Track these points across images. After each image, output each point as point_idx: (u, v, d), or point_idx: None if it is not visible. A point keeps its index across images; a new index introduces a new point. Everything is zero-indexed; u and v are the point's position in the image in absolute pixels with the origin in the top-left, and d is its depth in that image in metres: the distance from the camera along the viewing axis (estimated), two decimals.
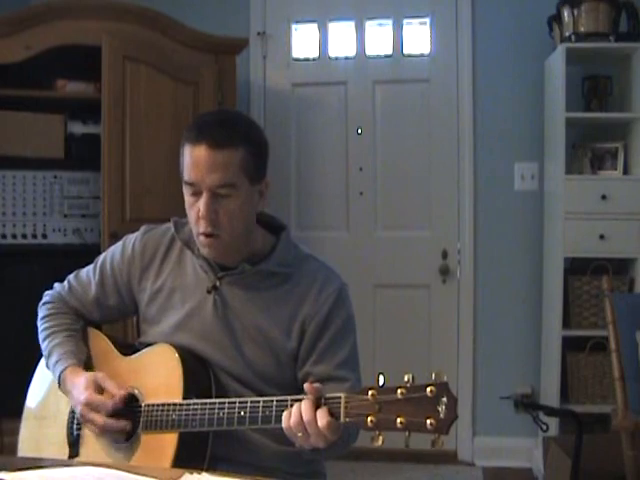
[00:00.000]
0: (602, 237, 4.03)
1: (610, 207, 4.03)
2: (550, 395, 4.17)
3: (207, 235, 1.90)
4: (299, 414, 1.64)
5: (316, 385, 1.66)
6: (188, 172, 1.88)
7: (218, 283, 1.99)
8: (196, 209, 1.89)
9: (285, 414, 1.67)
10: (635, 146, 4.12)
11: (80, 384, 1.95)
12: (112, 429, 1.89)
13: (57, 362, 2.06)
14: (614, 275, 4.05)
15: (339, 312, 1.98)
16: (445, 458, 4.57)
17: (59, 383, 2.04)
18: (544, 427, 3.61)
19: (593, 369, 4.12)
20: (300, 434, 1.65)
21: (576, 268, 4.22)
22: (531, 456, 4.48)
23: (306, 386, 1.66)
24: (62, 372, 2.02)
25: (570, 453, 3.26)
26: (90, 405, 1.90)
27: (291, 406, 1.68)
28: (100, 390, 1.92)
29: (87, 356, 2.10)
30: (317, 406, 1.64)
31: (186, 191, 1.92)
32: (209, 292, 1.99)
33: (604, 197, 4.03)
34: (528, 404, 4.11)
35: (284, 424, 1.67)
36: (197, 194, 1.88)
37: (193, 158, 1.87)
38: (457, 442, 4.66)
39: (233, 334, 1.97)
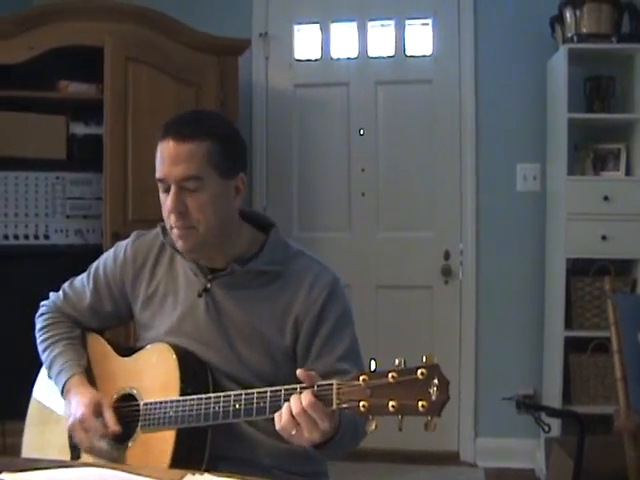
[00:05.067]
0: (604, 238, 4.02)
1: (612, 208, 4.03)
2: (552, 396, 4.17)
3: (179, 228, 1.91)
4: (289, 410, 1.64)
5: (310, 372, 1.66)
6: (157, 168, 1.91)
7: (209, 285, 1.99)
8: (167, 204, 1.90)
9: (277, 416, 1.67)
10: (637, 147, 4.12)
11: (83, 398, 1.97)
12: (97, 454, 1.92)
13: (60, 372, 2.07)
14: (616, 276, 4.06)
15: (333, 306, 1.97)
16: (447, 459, 4.57)
17: (62, 392, 2.05)
18: (546, 428, 3.60)
19: (595, 370, 4.12)
20: (294, 431, 1.64)
21: (578, 269, 4.22)
22: (533, 457, 4.47)
23: (299, 372, 1.66)
24: (67, 381, 2.04)
25: (572, 454, 3.26)
26: (83, 423, 1.93)
27: (285, 396, 1.68)
28: (99, 414, 1.93)
29: (87, 360, 2.11)
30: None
31: (159, 189, 1.93)
32: (200, 295, 1.99)
33: (606, 198, 4.03)
34: (530, 405, 4.10)
35: (278, 426, 1.66)
36: (168, 190, 1.90)
37: (161, 153, 1.90)
38: (459, 443, 4.66)
39: (227, 335, 1.97)
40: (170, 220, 1.92)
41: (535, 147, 4.54)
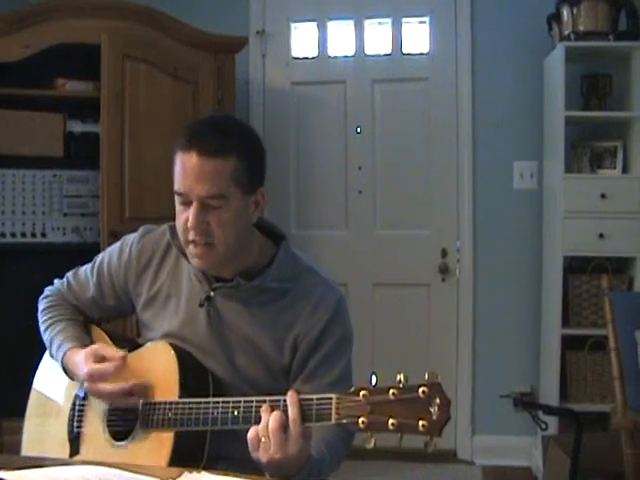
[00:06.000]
0: (601, 236, 4.02)
1: (609, 206, 4.03)
2: (549, 394, 4.17)
3: (197, 244, 1.86)
4: (266, 421, 1.64)
5: (300, 398, 1.66)
6: (177, 181, 1.85)
7: (212, 294, 1.97)
8: (185, 218, 1.85)
9: (251, 432, 1.67)
10: (634, 145, 4.12)
11: (80, 360, 1.94)
12: (120, 391, 1.88)
13: (59, 347, 2.05)
14: (613, 274, 4.05)
15: (333, 330, 1.94)
16: (444, 457, 4.57)
17: (63, 368, 2.03)
18: (543, 426, 3.61)
19: (592, 368, 4.12)
20: (264, 439, 1.64)
21: (575, 267, 4.22)
22: (530, 455, 4.48)
23: (290, 396, 1.66)
24: (64, 355, 2.02)
25: (569, 452, 3.27)
26: (94, 376, 1.89)
27: (284, 406, 1.66)
28: (101, 359, 1.91)
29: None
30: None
31: (176, 199, 1.88)
32: (201, 305, 1.97)
33: (603, 196, 4.02)
34: (527, 403, 4.11)
35: (249, 438, 1.67)
36: (186, 204, 1.85)
37: (183, 166, 1.83)
38: (456, 441, 4.66)
39: (226, 345, 1.96)
40: (188, 235, 1.86)
41: (532, 145, 4.54)
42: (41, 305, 2.22)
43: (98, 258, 2.19)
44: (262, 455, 1.66)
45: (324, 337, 1.93)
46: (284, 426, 1.64)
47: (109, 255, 2.15)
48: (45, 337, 2.15)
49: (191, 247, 1.88)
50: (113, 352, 1.92)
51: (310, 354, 1.93)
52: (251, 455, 1.69)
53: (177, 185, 1.85)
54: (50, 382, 2.15)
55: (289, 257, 2.00)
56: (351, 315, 2.04)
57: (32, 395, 2.23)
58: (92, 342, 2.08)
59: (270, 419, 1.64)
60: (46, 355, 2.21)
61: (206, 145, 1.81)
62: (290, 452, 1.64)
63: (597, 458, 3.28)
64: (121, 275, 2.11)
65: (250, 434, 1.67)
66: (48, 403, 2.16)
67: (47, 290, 2.26)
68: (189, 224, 1.84)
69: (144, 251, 2.09)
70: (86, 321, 2.19)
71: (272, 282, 1.95)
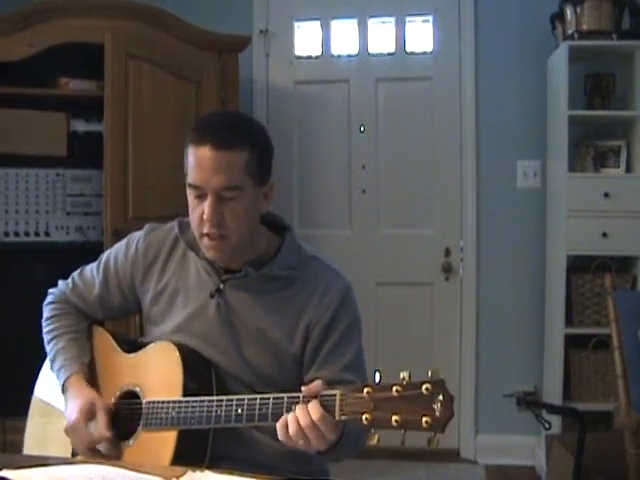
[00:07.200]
0: (605, 235, 4.02)
1: (613, 205, 4.03)
2: (553, 393, 4.17)
3: (212, 237, 1.88)
4: (296, 422, 1.63)
5: (313, 386, 1.65)
6: (192, 174, 1.87)
7: (221, 286, 1.98)
8: (200, 211, 1.87)
9: (280, 425, 1.65)
10: (637, 144, 4.11)
11: (77, 402, 1.96)
12: (92, 457, 1.91)
13: (60, 368, 2.06)
14: (617, 273, 4.06)
15: (343, 316, 1.97)
16: (448, 456, 4.57)
17: (62, 389, 2.04)
18: (547, 425, 3.61)
19: (596, 367, 4.12)
20: (301, 442, 1.64)
21: (579, 266, 4.22)
22: (534, 454, 4.48)
23: (303, 389, 1.65)
24: (66, 380, 2.03)
25: (573, 451, 3.27)
26: (74, 430, 1.93)
27: (287, 404, 1.67)
28: (92, 417, 1.93)
29: (91, 355, 2.11)
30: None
31: (190, 193, 1.90)
32: (212, 296, 1.98)
33: (607, 195, 4.02)
34: (531, 402, 4.11)
35: (282, 437, 1.65)
36: (201, 196, 1.86)
37: (197, 159, 1.85)
38: (460, 440, 4.66)
39: (235, 337, 1.97)
40: (203, 228, 1.88)
41: (535, 144, 4.54)
42: (45, 313, 2.22)
43: (104, 256, 2.19)
44: (303, 449, 1.67)
45: (335, 323, 1.95)
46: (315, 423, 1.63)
47: (115, 252, 2.16)
48: (47, 349, 2.16)
49: (205, 240, 1.90)
50: (103, 424, 1.91)
51: (323, 340, 1.95)
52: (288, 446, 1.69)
53: (192, 178, 1.87)
54: (53, 383, 2.15)
55: (294, 247, 2.04)
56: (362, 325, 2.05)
57: (33, 402, 2.24)
58: (93, 353, 2.12)
59: (302, 424, 1.63)
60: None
61: (220, 138, 1.84)
62: (332, 439, 1.65)
63: (600, 457, 3.27)
64: (127, 272, 2.12)
65: (292, 438, 1.66)
66: (50, 404, 2.16)
67: (51, 294, 2.25)
68: (205, 216, 1.86)
69: (150, 247, 2.10)
70: (90, 325, 2.19)
71: (280, 270, 1.97)
